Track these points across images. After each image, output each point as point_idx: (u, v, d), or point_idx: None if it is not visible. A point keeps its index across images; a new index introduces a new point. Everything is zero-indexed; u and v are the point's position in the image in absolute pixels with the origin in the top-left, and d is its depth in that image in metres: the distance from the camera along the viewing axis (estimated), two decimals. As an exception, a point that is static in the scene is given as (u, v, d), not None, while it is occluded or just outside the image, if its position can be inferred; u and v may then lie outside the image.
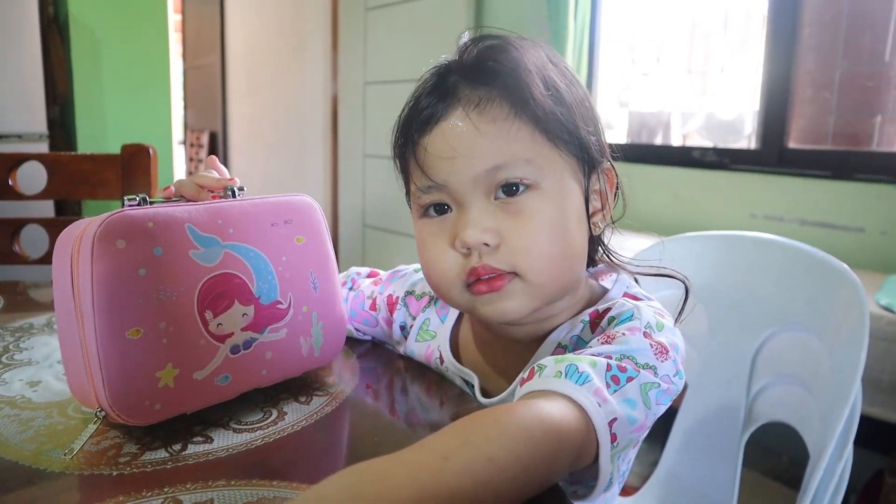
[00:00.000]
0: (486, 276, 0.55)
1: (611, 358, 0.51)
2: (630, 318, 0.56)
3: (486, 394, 0.64)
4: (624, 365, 0.50)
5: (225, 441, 0.52)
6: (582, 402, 0.46)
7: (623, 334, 0.54)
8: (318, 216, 0.65)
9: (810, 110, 1.88)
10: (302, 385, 0.64)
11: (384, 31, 3.00)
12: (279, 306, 0.59)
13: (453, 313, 0.70)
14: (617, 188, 0.64)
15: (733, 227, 1.67)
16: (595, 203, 0.61)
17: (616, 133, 2.48)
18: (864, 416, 0.78)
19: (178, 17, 4.90)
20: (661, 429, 1.04)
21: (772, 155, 1.90)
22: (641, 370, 0.51)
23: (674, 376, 0.53)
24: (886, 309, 1.26)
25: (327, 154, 3.48)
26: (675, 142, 2.32)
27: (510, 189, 0.55)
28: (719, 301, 0.96)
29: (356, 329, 0.78)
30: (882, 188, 1.66)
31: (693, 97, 2.28)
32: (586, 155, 0.59)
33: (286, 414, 0.57)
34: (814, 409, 0.83)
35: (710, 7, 2.20)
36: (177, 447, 0.51)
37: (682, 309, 0.65)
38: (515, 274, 0.55)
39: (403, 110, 0.60)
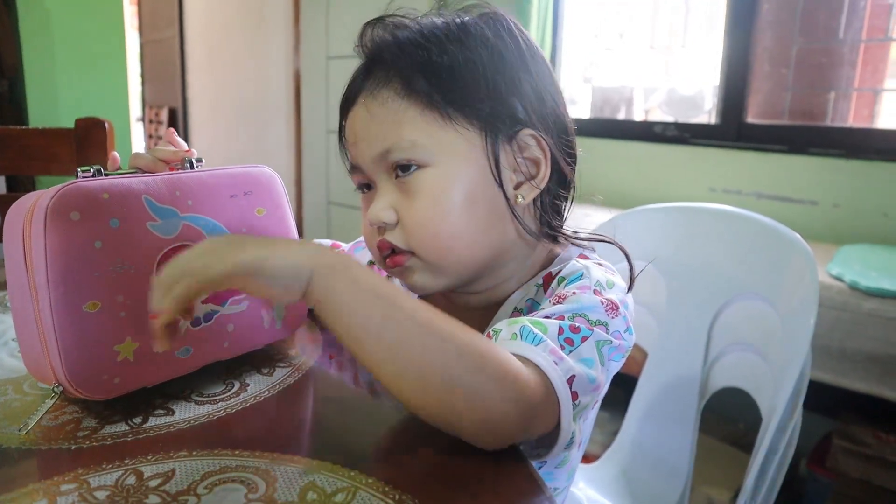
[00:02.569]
0: (387, 253, 0.59)
1: (563, 319, 0.51)
2: (580, 277, 0.57)
3: None
4: (577, 325, 0.51)
5: (186, 413, 0.52)
6: (538, 361, 0.47)
7: (574, 293, 0.55)
8: (278, 188, 0.64)
9: (768, 86, 1.91)
10: (264, 357, 0.63)
11: (346, 4, 2.95)
12: (240, 279, 0.59)
13: None
14: (552, 156, 0.59)
15: (693, 200, 1.70)
16: (517, 175, 0.59)
17: (580, 108, 2.50)
18: (815, 381, 0.81)
19: (133, -12, 4.74)
20: (623, 398, 1.06)
21: (731, 130, 1.93)
22: (594, 328, 0.52)
23: (624, 332, 0.54)
24: (837, 278, 1.30)
25: (290, 130, 3.42)
26: (638, 117, 2.34)
27: (404, 169, 0.57)
28: (678, 271, 0.99)
29: None
30: (835, 162, 1.70)
31: (655, 73, 2.30)
32: (492, 125, 0.57)
33: (248, 385, 0.57)
34: (767, 374, 0.86)
35: (671, -18, 2.22)
36: (137, 420, 0.51)
37: (631, 277, 0.65)
38: (412, 252, 0.58)
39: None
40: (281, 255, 0.44)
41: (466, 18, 0.59)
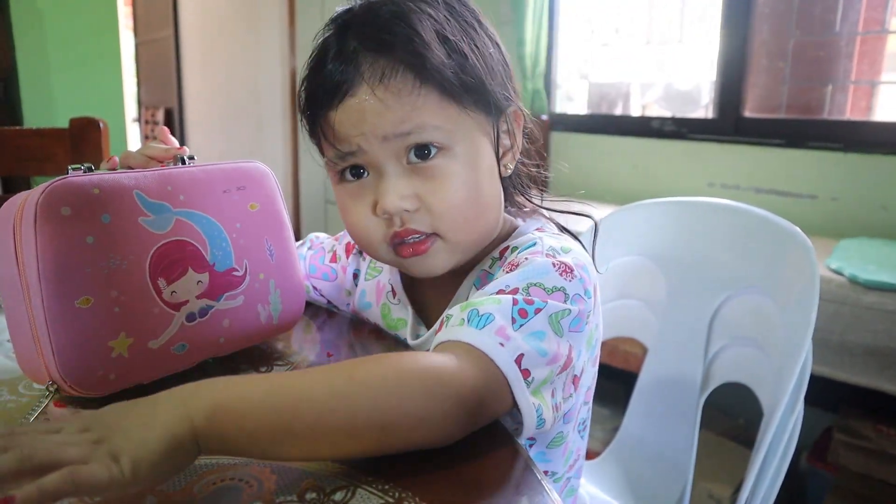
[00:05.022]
0: (410, 240, 0.57)
1: (517, 291, 0.52)
2: (533, 245, 0.58)
3: (424, 321, 0.67)
4: (531, 298, 0.51)
5: (182, 411, 0.51)
6: (481, 346, 0.47)
7: (526, 258, 0.56)
8: (271, 183, 0.64)
9: (765, 80, 1.91)
10: (262, 355, 0.63)
11: (342, 3, 2.94)
12: (234, 273, 0.58)
13: None
14: (525, 128, 0.65)
15: (691, 195, 1.69)
16: (504, 142, 0.62)
17: (576, 104, 2.49)
18: (814, 375, 0.80)
19: (127, -11, 4.72)
20: (624, 394, 1.06)
21: (728, 124, 1.93)
22: (549, 298, 0.52)
23: (584, 294, 0.54)
24: (837, 272, 1.30)
25: (287, 129, 3.42)
26: (635, 112, 2.34)
27: (422, 152, 0.56)
28: (677, 266, 0.98)
29: (314, 287, 0.79)
30: (833, 155, 1.70)
31: (652, 68, 2.30)
32: (492, 106, 0.59)
33: (245, 383, 0.56)
34: (768, 368, 0.86)
35: (667, -23, 2.21)
36: (132, 419, 0.50)
37: (594, 245, 0.67)
38: (437, 235, 0.58)
39: (304, 76, 0.60)
40: (153, 436, 0.37)
41: None
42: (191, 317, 0.54)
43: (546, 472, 0.63)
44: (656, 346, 1.02)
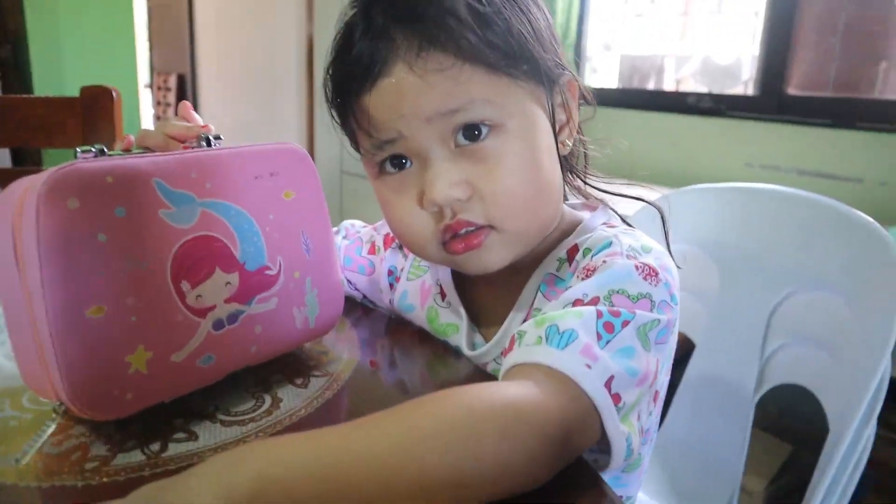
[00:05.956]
0: (463, 232, 0.51)
1: (598, 301, 0.45)
2: (608, 245, 0.51)
3: (479, 326, 0.61)
4: (616, 309, 0.45)
5: (212, 437, 0.44)
6: (566, 370, 0.40)
7: (604, 262, 0.49)
8: (308, 167, 0.56)
9: (813, 56, 1.81)
10: (297, 365, 0.56)
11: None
12: (267, 272, 0.51)
13: None
14: (581, 97, 0.58)
15: (728, 176, 1.61)
16: (560, 117, 0.56)
17: (606, 77, 2.39)
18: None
19: (139, -51, 4.60)
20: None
21: (770, 102, 1.83)
22: (636, 307, 0.45)
23: (670, 300, 0.48)
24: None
25: (302, 98, 3.34)
26: (669, 87, 2.24)
27: (471, 133, 0.50)
28: (732, 257, 0.91)
29: (349, 280, 0.72)
30: (883, 137, 1.60)
31: (688, 40, 2.19)
32: (544, 75, 0.53)
33: (281, 400, 0.50)
34: (836, 374, 0.79)
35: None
36: (155, 447, 0.43)
37: (668, 238, 0.60)
38: (492, 226, 0.51)
39: (329, 63, 0.53)
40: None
41: None
42: (218, 324, 0.47)
43: (620, 497, 0.57)
44: (706, 341, 0.95)
